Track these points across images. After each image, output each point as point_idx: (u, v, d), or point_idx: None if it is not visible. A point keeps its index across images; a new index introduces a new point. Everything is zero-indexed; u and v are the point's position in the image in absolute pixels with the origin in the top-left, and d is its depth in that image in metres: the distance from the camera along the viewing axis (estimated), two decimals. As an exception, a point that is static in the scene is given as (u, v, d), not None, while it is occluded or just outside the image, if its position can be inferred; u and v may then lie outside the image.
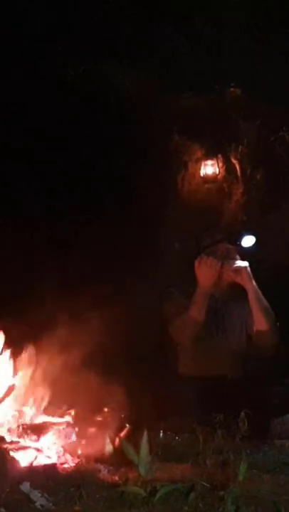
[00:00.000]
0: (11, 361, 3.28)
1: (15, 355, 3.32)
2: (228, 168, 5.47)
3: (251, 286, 3.81)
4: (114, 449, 2.90)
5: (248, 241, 3.84)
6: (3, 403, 3.13)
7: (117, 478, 2.58)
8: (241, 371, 3.84)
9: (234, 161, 5.45)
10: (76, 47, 5.00)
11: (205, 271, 3.78)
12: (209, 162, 5.48)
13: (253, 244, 3.84)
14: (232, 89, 5.41)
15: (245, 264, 3.81)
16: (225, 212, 5.36)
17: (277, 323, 3.89)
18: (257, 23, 4.96)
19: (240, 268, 3.81)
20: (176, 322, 3.85)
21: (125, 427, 3.05)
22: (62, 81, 5.16)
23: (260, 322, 3.82)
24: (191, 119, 5.37)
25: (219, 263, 3.77)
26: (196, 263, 3.81)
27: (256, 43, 4.98)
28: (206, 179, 5.49)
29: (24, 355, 3.30)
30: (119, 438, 2.93)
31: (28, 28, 4.84)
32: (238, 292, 3.87)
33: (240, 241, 3.83)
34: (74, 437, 3.00)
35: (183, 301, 3.84)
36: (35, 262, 4.50)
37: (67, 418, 3.13)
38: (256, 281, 3.84)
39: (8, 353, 3.30)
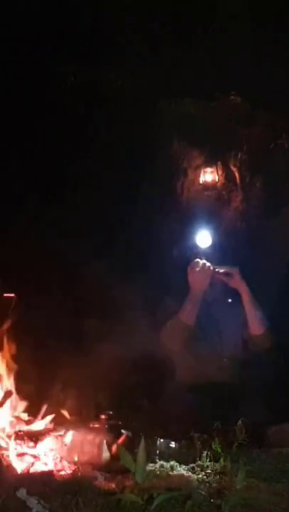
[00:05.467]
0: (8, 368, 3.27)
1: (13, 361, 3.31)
2: (228, 175, 5.47)
3: (245, 289, 3.82)
4: (111, 456, 2.89)
5: (204, 242, 3.85)
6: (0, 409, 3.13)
7: (113, 485, 2.57)
8: (238, 377, 3.83)
9: (234, 168, 5.46)
10: (76, 53, 5.00)
11: (197, 276, 3.79)
12: (209, 169, 5.48)
13: (212, 245, 3.86)
14: (232, 96, 5.41)
15: (235, 268, 3.83)
16: (224, 220, 5.36)
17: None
18: (258, 30, 4.96)
19: (231, 272, 3.82)
20: (166, 326, 3.86)
21: (122, 434, 3.04)
22: (63, 87, 5.16)
23: (254, 326, 3.83)
24: (191, 126, 5.38)
25: (211, 267, 3.79)
26: (189, 268, 3.82)
27: (257, 50, 4.98)
28: (206, 186, 5.49)
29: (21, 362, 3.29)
30: (117, 445, 2.92)
31: (28, 33, 4.85)
32: (231, 297, 3.88)
33: (197, 240, 3.86)
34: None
35: (177, 308, 3.84)
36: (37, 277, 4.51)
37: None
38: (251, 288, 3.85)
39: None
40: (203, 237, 3.87)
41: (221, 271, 3.84)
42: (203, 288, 3.80)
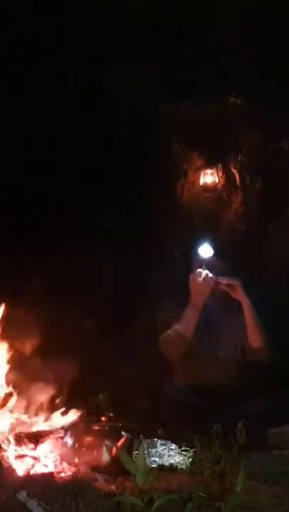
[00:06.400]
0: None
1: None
2: (228, 177, 5.48)
3: (246, 301, 3.79)
4: (112, 458, 2.89)
5: (206, 252, 3.82)
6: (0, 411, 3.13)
7: (113, 487, 2.57)
8: (237, 381, 3.83)
9: (234, 170, 5.46)
10: (77, 55, 5.00)
11: (198, 286, 3.75)
12: (209, 171, 5.48)
13: (215, 255, 3.83)
14: (232, 98, 5.42)
15: (237, 280, 3.80)
16: (224, 222, 5.36)
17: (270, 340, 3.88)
18: (258, 32, 4.96)
19: (233, 284, 3.79)
20: (164, 336, 3.83)
21: (122, 436, 3.03)
22: (63, 89, 5.16)
23: (253, 338, 3.80)
24: (191, 128, 5.38)
25: (213, 278, 3.75)
26: (191, 277, 3.79)
27: (257, 52, 4.98)
28: (206, 188, 5.49)
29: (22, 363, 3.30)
30: (117, 447, 2.92)
31: (28, 36, 4.85)
32: (232, 305, 3.85)
33: (199, 251, 3.83)
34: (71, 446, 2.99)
35: (176, 313, 3.81)
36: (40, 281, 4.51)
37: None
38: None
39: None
40: (205, 248, 3.82)
41: (224, 282, 3.81)
42: (204, 298, 3.75)
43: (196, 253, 3.84)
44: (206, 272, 3.75)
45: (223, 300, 3.86)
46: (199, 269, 3.76)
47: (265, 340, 3.80)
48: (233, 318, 3.86)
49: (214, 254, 3.81)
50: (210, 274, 3.75)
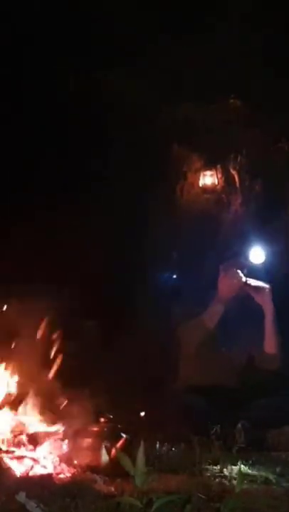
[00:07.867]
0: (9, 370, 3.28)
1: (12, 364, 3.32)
2: (228, 178, 5.47)
3: (270, 308, 3.82)
4: (111, 459, 2.89)
5: (258, 258, 3.85)
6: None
7: (113, 489, 2.57)
8: (238, 382, 3.84)
9: (233, 172, 5.46)
10: (76, 56, 5.01)
11: (229, 282, 3.79)
12: (208, 172, 5.48)
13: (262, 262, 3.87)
14: (232, 99, 5.42)
15: (267, 285, 3.82)
16: (223, 223, 5.36)
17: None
18: (257, 33, 4.97)
19: (263, 288, 3.82)
20: (186, 324, 3.88)
21: (121, 437, 3.04)
22: (62, 90, 5.16)
23: (270, 345, 3.83)
24: (190, 129, 5.38)
25: (244, 278, 3.78)
26: (222, 273, 3.81)
27: (256, 53, 4.99)
28: (205, 189, 5.49)
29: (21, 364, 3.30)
30: (116, 449, 2.92)
31: (28, 37, 4.85)
32: (250, 309, 3.87)
33: (250, 257, 3.85)
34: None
35: (193, 308, 3.85)
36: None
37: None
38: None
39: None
40: (257, 253, 3.86)
41: (253, 284, 3.83)
42: (231, 295, 3.80)
43: (240, 255, 3.88)
44: (238, 270, 3.79)
45: (242, 303, 3.87)
46: (232, 268, 3.80)
47: (279, 350, 3.83)
48: (249, 323, 3.88)
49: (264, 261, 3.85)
50: (241, 274, 3.79)
